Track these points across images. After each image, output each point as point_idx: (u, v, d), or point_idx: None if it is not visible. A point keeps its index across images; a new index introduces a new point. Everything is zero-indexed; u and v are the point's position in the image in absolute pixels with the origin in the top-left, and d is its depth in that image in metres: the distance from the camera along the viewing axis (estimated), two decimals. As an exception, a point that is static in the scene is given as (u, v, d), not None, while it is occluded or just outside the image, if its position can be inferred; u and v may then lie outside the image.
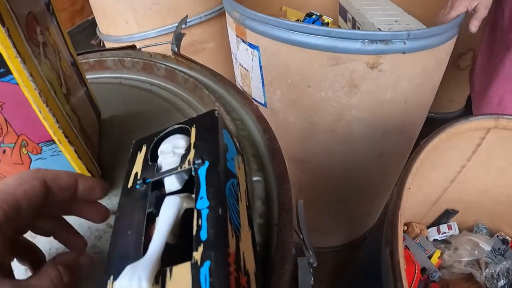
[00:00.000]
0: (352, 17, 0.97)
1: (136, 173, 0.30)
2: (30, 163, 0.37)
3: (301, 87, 0.77)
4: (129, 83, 0.56)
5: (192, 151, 0.29)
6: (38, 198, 0.27)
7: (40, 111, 0.33)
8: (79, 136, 0.38)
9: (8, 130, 0.34)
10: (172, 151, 0.31)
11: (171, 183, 0.29)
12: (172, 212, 0.26)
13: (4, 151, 0.36)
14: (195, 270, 0.21)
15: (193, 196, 0.26)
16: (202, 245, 0.22)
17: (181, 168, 0.28)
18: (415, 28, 0.83)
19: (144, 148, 0.33)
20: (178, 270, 0.22)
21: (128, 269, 0.23)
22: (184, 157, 0.29)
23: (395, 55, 0.71)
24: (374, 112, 0.78)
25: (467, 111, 1.54)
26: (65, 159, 0.37)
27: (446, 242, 0.96)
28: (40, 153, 0.37)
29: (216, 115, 0.31)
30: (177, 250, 0.25)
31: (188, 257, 0.22)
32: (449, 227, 0.93)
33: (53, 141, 0.36)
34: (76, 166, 0.38)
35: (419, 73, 0.75)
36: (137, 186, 0.29)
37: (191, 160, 0.28)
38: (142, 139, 0.34)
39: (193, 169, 0.27)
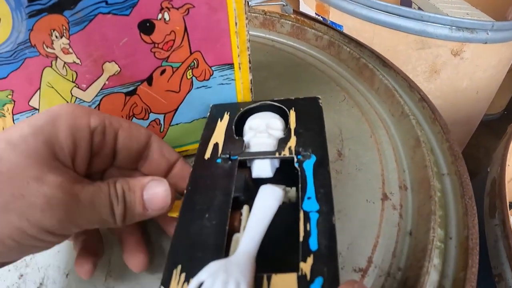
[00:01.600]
0: (418, 7, 0.95)
1: (217, 144, 0.25)
2: (189, 91, 0.30)
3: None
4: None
5: (294, 138, 0.24)
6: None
7: (236, 23, 0.26)
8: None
9: (182, 43, 0.27)
10: (266, 130, 0.25)
11: (263, 169, 0.23)
12: (274, 207, 0.20)
13: (162, 72, 0.29)
14: (304, 285, 0.17)
15: (289, 190, 0.22)
16: (312, 256, 0.18)
17: (279, 154, 0.23)
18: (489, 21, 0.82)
19: (226, 116, 0.27)
20: (280, 280, 0.17)
21: (218, 269, 0.17)
22: (282, 142, 0.24)
23: (477, 44, 0.69)
24: (448, 100, 0.75)
25: (509, 114, 1.52)
26: (232, 91, 0.31)
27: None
28: (208, 79, 0.30)
29: (320, 104, 0.27)
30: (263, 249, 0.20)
31: (286, 264, 0.18)
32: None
33: (230, 66, 0.29)
34: (243, 99, 0.32)
35: (494, 65, 0.74)
36: (219, 160, 0.24)
37: (294, 149, 0.23)
38: (222, 105, 0.29)
39: (296, 159, 0.22)
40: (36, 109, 0.30)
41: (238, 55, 0.28)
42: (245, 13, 0.26)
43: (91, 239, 0.25)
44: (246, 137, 0.25)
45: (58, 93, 0.30)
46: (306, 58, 0.46)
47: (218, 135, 0.26)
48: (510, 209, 0.93)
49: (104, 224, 0.21)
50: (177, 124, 0.33)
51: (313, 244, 0.18)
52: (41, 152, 0.19)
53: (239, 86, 0.31)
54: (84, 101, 0.30)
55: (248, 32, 0.27)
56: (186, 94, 0.31)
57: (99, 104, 0.30)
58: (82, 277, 0.23)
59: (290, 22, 0.49)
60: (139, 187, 0.22)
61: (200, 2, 0.25)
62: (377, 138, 0.36)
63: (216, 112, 0.28)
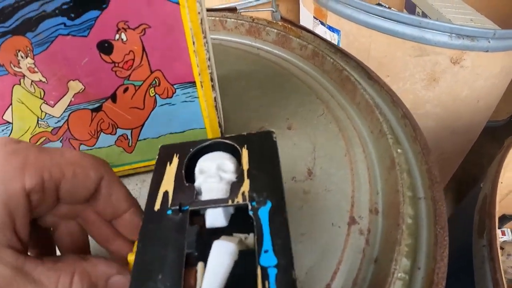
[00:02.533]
0: (422, 12, 0.92)
1: (166, 192, 0.23)
2: (153, 108, 0.30)
3: (379, 75, 0.72)
4: (230, 45, 0.51)
5: (247, 182, 0.22)
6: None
7: (194, 42, 0.26)
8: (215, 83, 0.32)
9: (141, 63, 0.27)
10: (217, 173, 0.23)
11: (216, 218, 0.21)
12: (228, 264, 0.19)
13: (125, 90, 0.29)
14: None
15: (243, 238, 0.21)
16: None
17: (232, 201, 0.21)
18: (490, 28, 0.79)
19: (175, 160, 0.25)
20: None
21: None
22: (235, 187, 0.22)
23: (478, 52, 0.67)
24: (447, 109, 0.73)
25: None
26: (197, 108, 0.31)
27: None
28: (171, 97, 0.30)
29: (274, 139, 0.24)
30: None
31: None
32: (503, 233, 0.88)
33: (192, 84, 0.29)
34: (208, 116, 0.31)
35: (496, 74, 0.71)
36: (169, 212, 0.21)
37: (247, 195, 0.21)
38: (171, 146, 0.26)
39: (250, 207, 0.20)
40: (9, 123, 0.30)
41: (199, 74, 0.28)
42: (203, 32, 0.26)
43: None
44: (197, 182, 0.23)
45: (29, 109, 0.30)
46: (289, 68, 0.45)
47: (168, 182, 0.23)
48: (505, 224, 0.90)
49: None
50: (144, 139, 0.33)
51: None
52: None
53: (203, 104, 0.30)
54: (54, 116, 0.31)
55: (208, 51, 0.27)
56: (151, 111, 0.31)
57: (67, 120, 0.31)
58: None
59: (275, 30, 0.48)
60: (104, 279, 0.21)
61: (155, 23, 0.25)
62: (352, 157, 0.35)
63: (165, 154, 0.25)
